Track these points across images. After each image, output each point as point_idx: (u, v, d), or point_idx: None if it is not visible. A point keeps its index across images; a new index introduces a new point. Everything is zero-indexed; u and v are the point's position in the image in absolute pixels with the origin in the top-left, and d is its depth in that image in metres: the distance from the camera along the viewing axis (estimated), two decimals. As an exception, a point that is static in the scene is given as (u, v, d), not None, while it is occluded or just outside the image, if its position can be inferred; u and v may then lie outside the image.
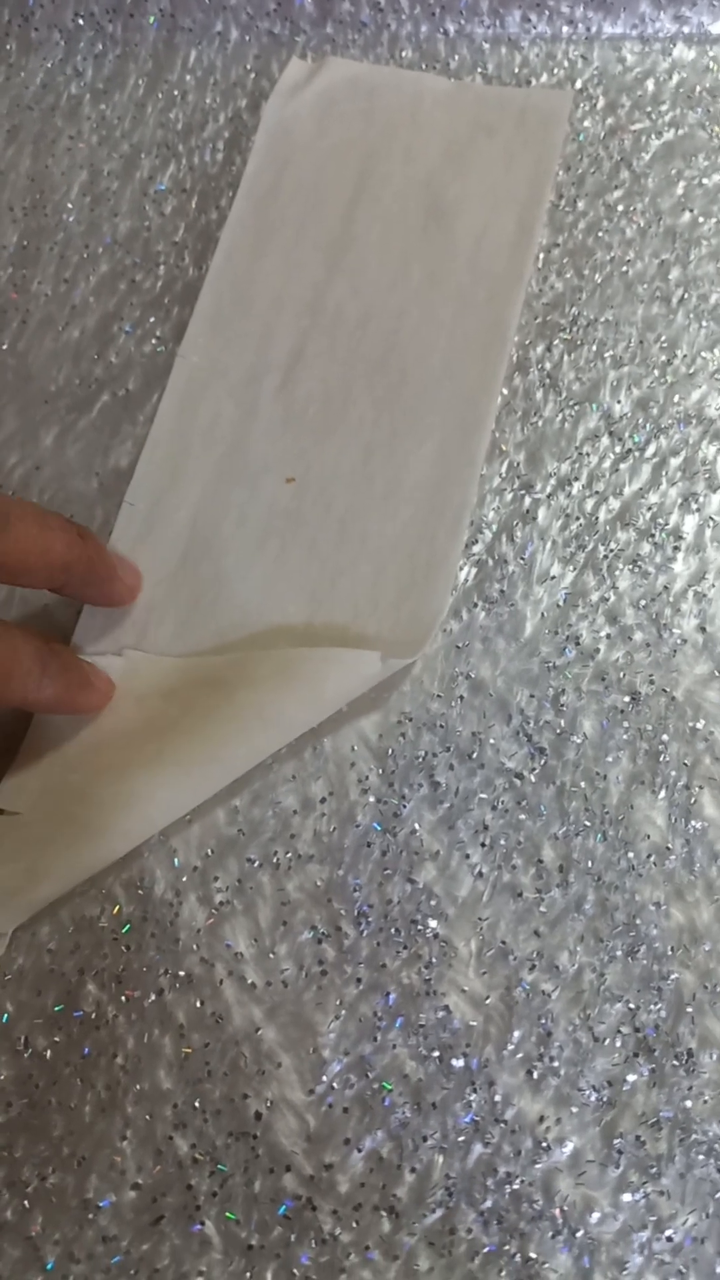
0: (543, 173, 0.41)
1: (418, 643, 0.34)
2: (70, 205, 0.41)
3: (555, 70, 0.43)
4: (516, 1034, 0.30)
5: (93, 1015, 0.30)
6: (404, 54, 0.44)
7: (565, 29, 0.44)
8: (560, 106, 0.42)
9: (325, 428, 0.37)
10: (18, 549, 0.29)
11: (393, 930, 0.31)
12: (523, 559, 0.36)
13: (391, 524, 0.36)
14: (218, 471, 0.37)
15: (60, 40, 0.44)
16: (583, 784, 0.32)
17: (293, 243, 0.40)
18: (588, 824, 0.32)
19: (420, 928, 0.31)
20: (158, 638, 0.34)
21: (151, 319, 0.39)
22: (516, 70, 0.43)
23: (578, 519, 0.36)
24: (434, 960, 0.31)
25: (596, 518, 0.36)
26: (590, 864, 0.32)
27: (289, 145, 0.42)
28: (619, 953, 0.31)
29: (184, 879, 0.32)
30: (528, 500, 0.36)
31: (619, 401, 0.38)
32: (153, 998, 0.30)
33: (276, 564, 0.35)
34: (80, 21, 0.44)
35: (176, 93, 0.43)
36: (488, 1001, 0.30)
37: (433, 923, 0.31)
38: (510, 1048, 0.30)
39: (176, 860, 0.32)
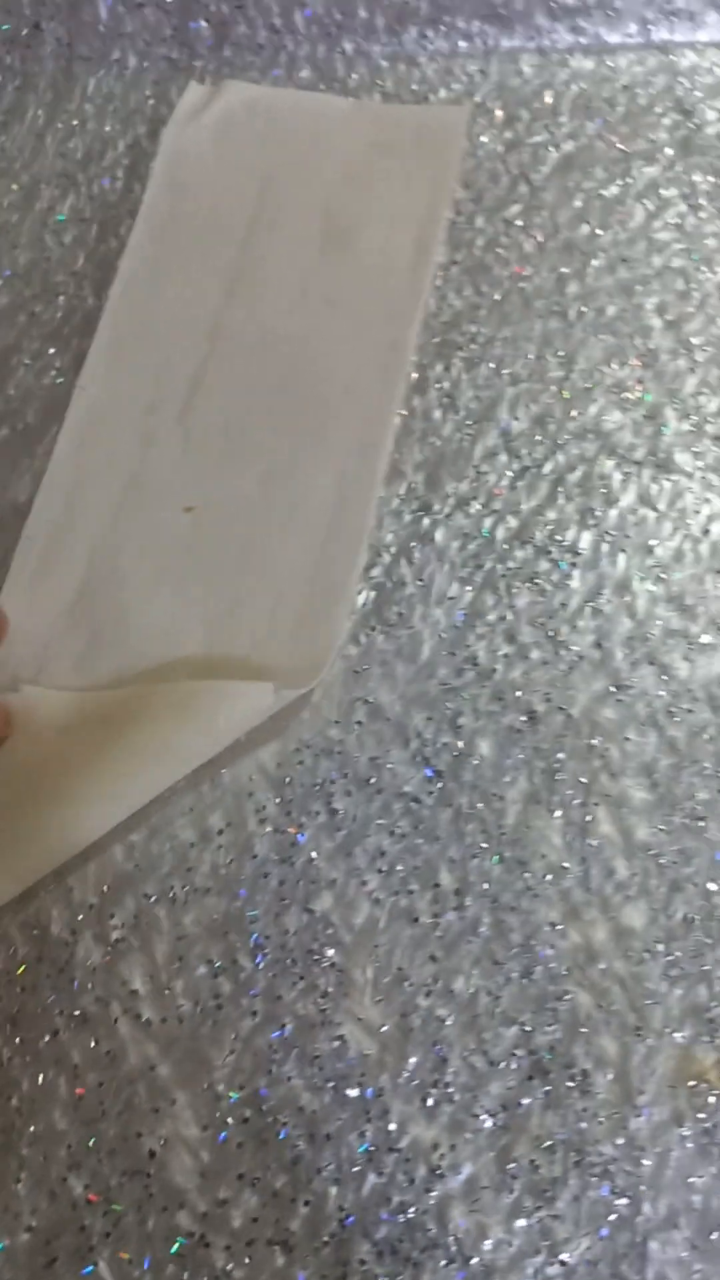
0: (441, 190, 0.41)
1: (314, 671, 0.34)
2: (-31, 239, 0.41)
3: (453, 85, 0.43)
4: (412, 1061, 0.30)
5: (-12, 1058, 0.30)
6: (302, 74, 0.43)
7: (462, 44, 0.44)
8: (457, 122, 0.42)
9: (225, 455, 0.37)
10: None
11: (289, 961, 0.31)
12: (421, 580, 0.35)
13: (290, 550, 0.35)
14: (117, 503, 0.36)
15: (-41, 73, 0.44)
16: (480, 805, 0.32)
17: (192, 269, 0.40)
18: (485, 845, 0.32)
19: (317, 957, 0.31)
20: (56, 672, 0.34)
21: (51, 350, 0.39)
22: (415, 87, 0.43)
23: (476, 538, 0.36)
24: (330, 990, 0.30)
25: (495, 536, 0.36)
26: (487, 886, 0.31)
27: (187, 171, 0.42)
28: (515, 974, 0.30)
29: (80, 917, 0.31)
30: (426, 521, 0.36)
31: (517, 418, 0.38)
32: (47, 1038, 0.30)
33: (176, 595, 0.35)
34: (-22, 53, 0.44)
35: (76, 122, 0.43)
36: (383, 1029, 0.30)
37: (330, 952, 0.31)
38: (406, 1075, 0.30)
39: (73, 898, 0.32)
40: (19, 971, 0.31)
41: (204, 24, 0.43)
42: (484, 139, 0.42)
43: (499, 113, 0.42)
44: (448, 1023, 0.30)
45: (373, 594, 0.35)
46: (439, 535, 0.36)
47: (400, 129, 0.42)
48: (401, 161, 0.41)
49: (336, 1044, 0.30)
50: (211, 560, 0.35)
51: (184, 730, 0.32)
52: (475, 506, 0.36)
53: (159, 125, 0.43)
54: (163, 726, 0.32)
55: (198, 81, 0.43)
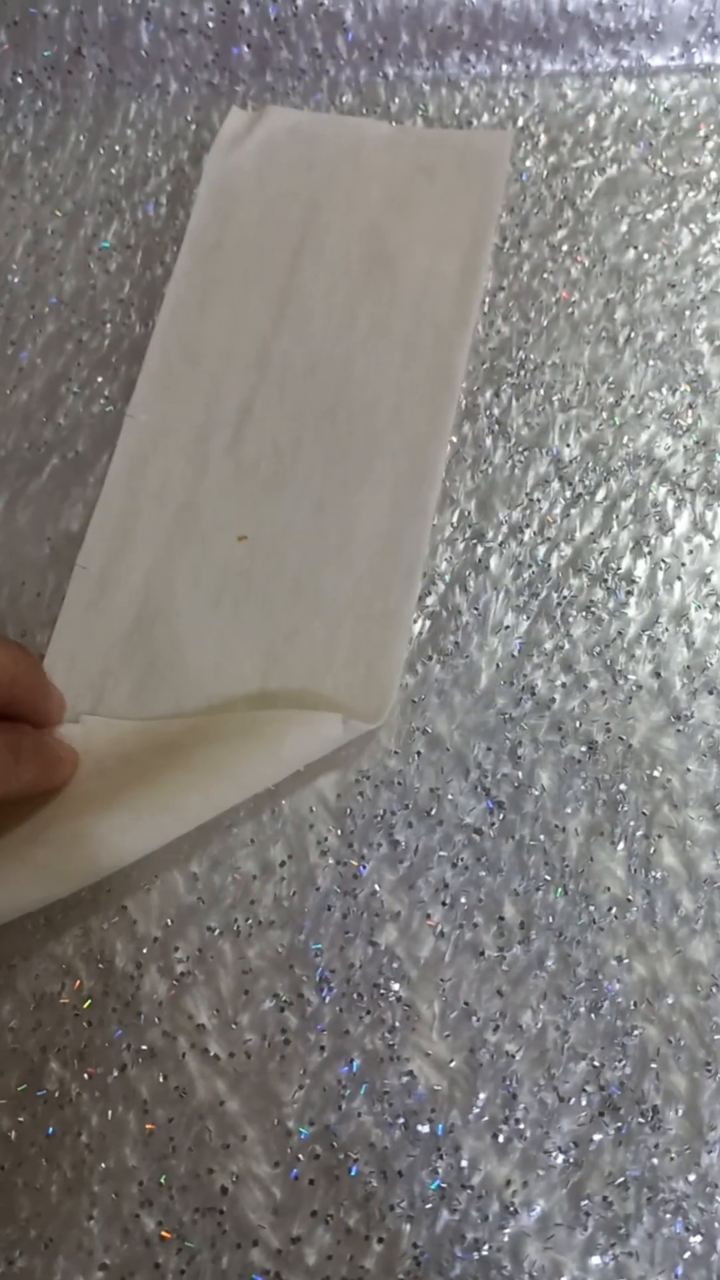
0: (486, 215, 0.41)
1: (378, 705, 0.33)
2: (15, 266, 0.41)
3: (496, 109, 0.43)
4: (482, 1097, 0.29)
5: (56, 1094, 0.30)
6: (344, 99, 0.43)
7: (505, 67, 0.43)
8: (500, 147, 0.42)
9: (276, 483, 0.37)
10: None
11: (355, 995, 0.31)
12: (476, 609, 0.35)
13: (345, 579, 0.35)
14: (170, 532, 0.36)
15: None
16: (542, 837, 0.32)
17: (238, 296, 0.40)
18: (548, 878, 0.32)
19: (383, 991, 0.31)
20: (114, 702, 0.34)
21: (99, 378, 0.39)
22: (457, 111, 0.43)
23: (530, 566, 0.36)
24: (397, 1024, 0.30)
25: (549, 565, 0.36)
26: (551, 919, 0.31)
27: (232, 197, 0.41)
28: (582, 1009, 0.30)
29: (144, 950, 0.31)
30: (479, 549, 0.36)
31: (568, 445, 0.37)
32: (115, 1073, 0.30)
33: (231, 624, 0.35)
34: (19, 79, 0.44)
35: (118, 147, 0.43)
36: (452, 1065, 0.30)
37: (395, 985, 0.31)
38: (476, 1111, 0.29)
39: (136, 931, 0.31)
40: (85, 1005, 0.31)
41: (246, 49, 0.43)
42: (528, 163, 0.42)
43: (542, 137, 0.42)
44: (516, 1058, 0.30)
45: (428, 623, 0.35)
46: (493, 563, 0.36)
47: (444, 153, 0.42)
48: (446, 186, 0.41)
49: (405, 1079, 0.30)
50: (266, 589, 0.35)
51: (247, 756, 0.32)
52: (528, 534, 0.36)
53: (201, 151, 0.43)
54: (226, 751, 0.32)
55: (240, 107, 0.43)
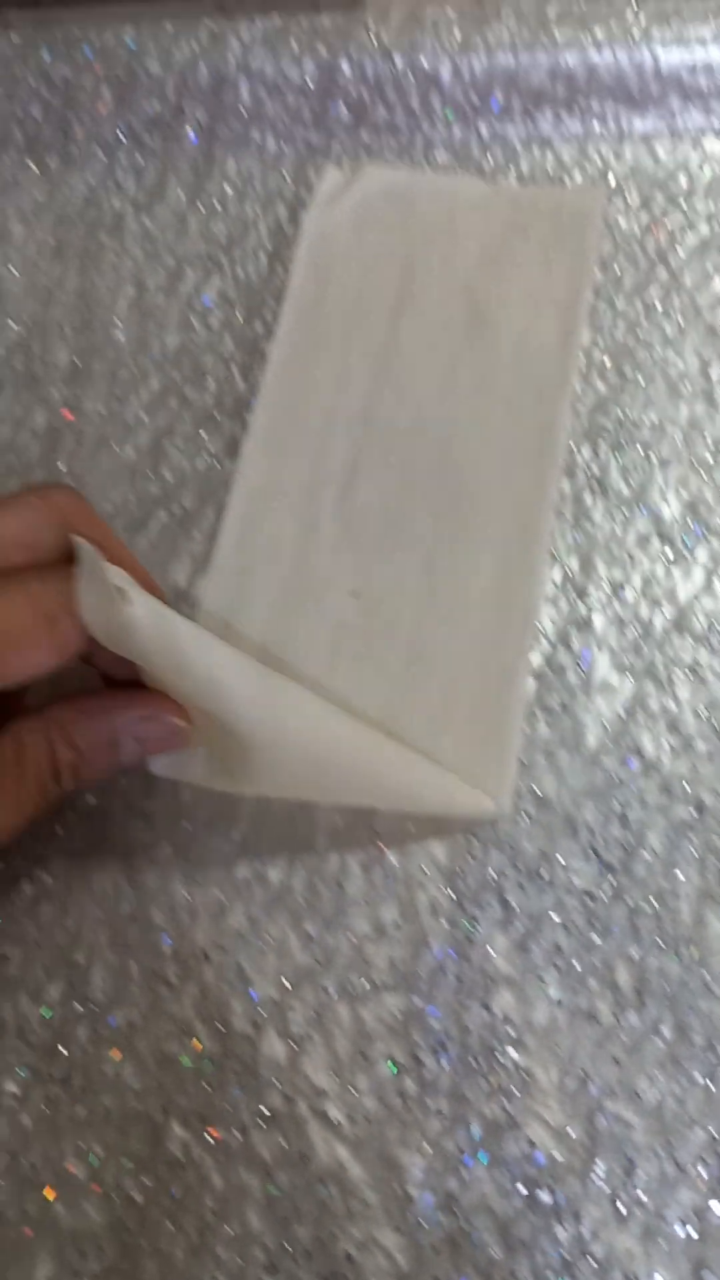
0: (581, 273, 0.40)
1: (499, 775, 0.32)
2: (118, 321, 0.41)
3: (588, 168, 0.42)
4: (600, 1166, 0.29)
5: (179, 1156, 0.29)
6: (438, 157, 0.43)
7: (597, 126, 0.43)
8: (594, 205, 0.41)
9: (385, 541, 0.36)
10: None
11: (472, 1061, 0.30)
12: (581, 668, 0.35)
13: (458, 637, 0.35)
14: (284, 589, 0.36)
15: (101, 154, 0.43)
16: (654, 902, 0.31)
17: (340, 354, 0.39)
18: (661, 944, 0.31)
19: (499, 1057, 0.30)
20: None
21: (203, 434, 0.39)
22: (550, 169, 0.42)
23: (634, 626, 0.35)
24: (515, 1091, 0.30)
25: (652, 624, 0.35)
26: (666, 986, 0.30)
27: (330, 256, 0.41)
28: (699, 1078, 0.29)
29: (262, 1012, 0.31)
30: (583, 607, 0.35)
31: (668, 503, 0.37)
32: (238, 1137, 0.29)
33: (347, 683, 0.34)
34: (121, 136, 0.43)
35: (217, 204, 0.42)
36: (570, 1133, 0.29)
37: (512, 1051, 0.30)
38: (595, 1180, 0.29)
39: (254, 992, 0.31)
40: (206, 1067, 0.30)
41: (343, 107, 0.43)
42: (620, 221, 0.41)
43: (634, 195, 0.41)
44: (634, 1127, 0.29)
45: (534, 681, 0.34)
46: (597, 622, 0.35)
47: (538, 211, 0.41)
48: (540, 244, 0.40)
49: (525, 1147, 0.29)
50: (381, 647, 0.34)
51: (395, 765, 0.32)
52: (631, 593, 0.35)
53: (299, 207, 0.42)
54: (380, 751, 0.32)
55: (335, 166, 0.42)
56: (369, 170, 0.42)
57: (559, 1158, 0.29)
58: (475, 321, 0.39)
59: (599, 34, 0.42)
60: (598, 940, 0.31)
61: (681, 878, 0.32)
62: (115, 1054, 0.31)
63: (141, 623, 0.27)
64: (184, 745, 0.30)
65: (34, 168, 0.43)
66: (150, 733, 0.29)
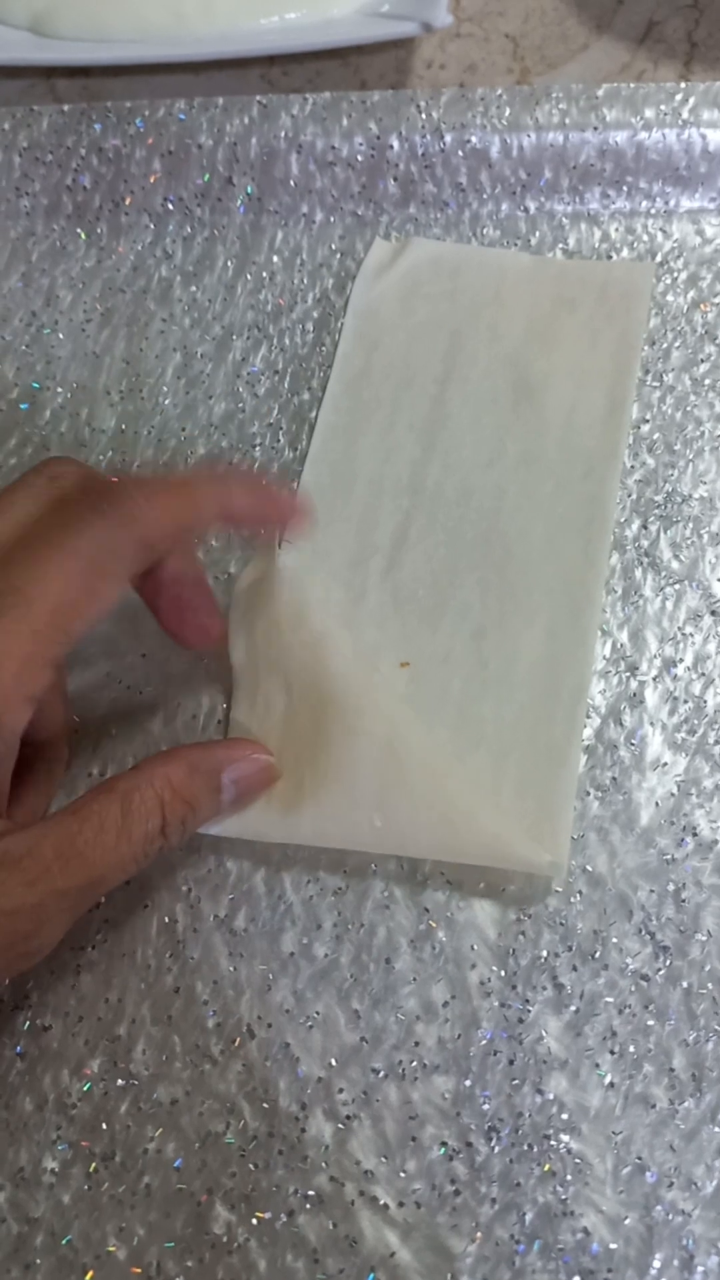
0: (629, 347, 0.43)
1: (552, 851, 0.34)
2: (165, 388, 0.43)
3: (635, 245, 0.45)
4: (658, 1257, 0.30)
5: (224, 1238, 0.31)
6: (485, 232, 0.46)
7: (644, 203, 0.46)
8: (642, 280, 0.44)
9: (435, 610, 0.38)
10: None
11: (525, 1146, 0.31)
12: (633, 744, 0.36)
13: (507, 709, 0.37)
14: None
15: (150, 223, 0.47)
16: (710, 985, 0.33)
17: (387, 424, 0.42)
18: (718, 1029, 0.32)
19: (553, 1143, 0.31)
20: (266, 820, 0.35)
21: (249, 501, 0.41)
22: (597, 245, 0.45)
23: (686, 702, 0.37)
24: (569, 1178, 0.31)
25: (705, 701, 0.37)
26: (723, 1072, 0.32)
27: (377, 326, 0.44)
28: (758, 1168, 0.31)
29: (308, 1090, 0.32)
30: (633, 683, 0.37)
31: (719, 579, 0.39)
32: (283, 1219, 0.31)
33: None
34: (170, 205, 0.46)
35: (265, 274, 0.45)
36: (626, 1222, 0.30)
37: (565, 1137, 0.31)
38: (652, 1272, 0.30)
39: (300, 1070, 0.32)
40: (251, 1146, 0.31)
41: (392, 182, 0.46)
42: (668, 298, 0.44)
43: (682, 272, 0.44)
44: (692, 1217, 0.30)
45: (585, 757, 0.36)
46: (648, 697, 0.37)
47: (585, 285, 0.44)
48: (588, 318, 0.43)
49: (579, 1236, 0.30)
50: (430, 718, 0.36)
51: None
52: (682, 669, 0.37)
53: (346, 279, 0.45)
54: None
55: (383, 238, 0.46)
56: (416, 242, 0.45)
57: (615, 1247, 0.30)
58: (522, 394, 0.42)
59: (648, 114, 0.45)
60: (652, 1023, 0.33)
61: (737, 960, 0.33)
62: (158, 1131, 0.32)
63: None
64: (273, 783, 0.35)
65: (83, 235, 0.47)
66: (245, 771, 0.33)
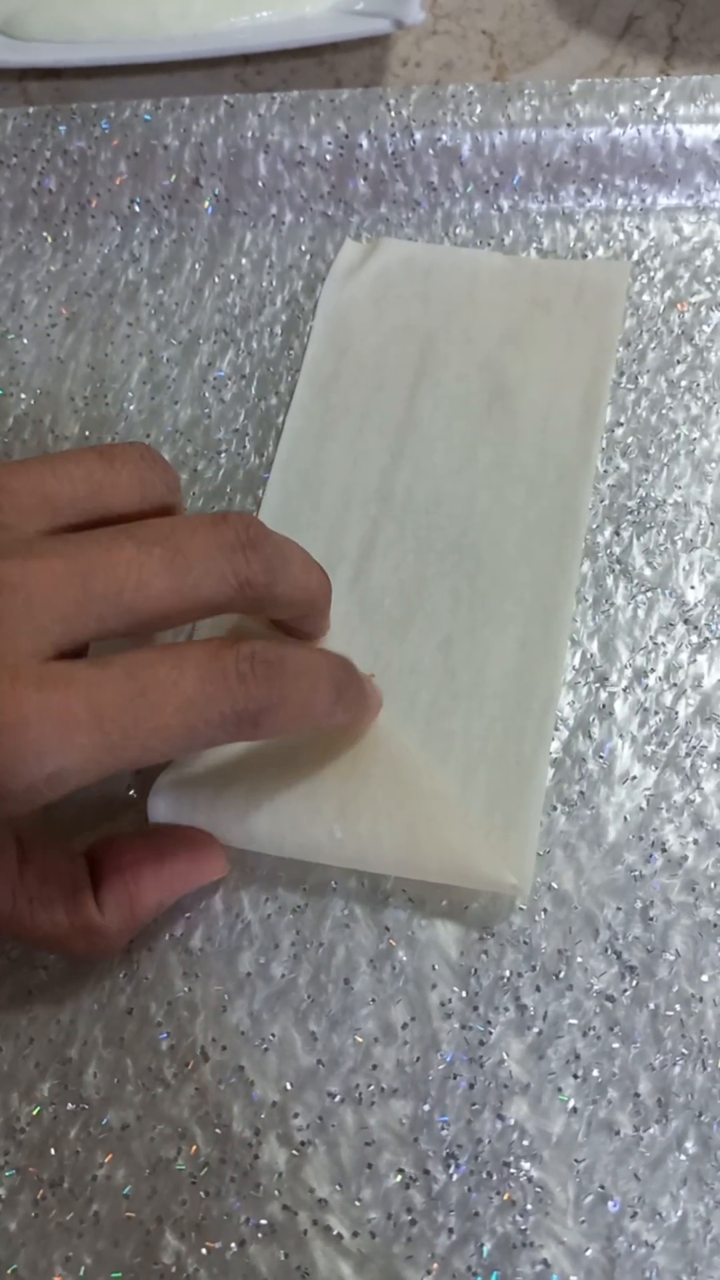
0: (604, 349, 0.42)
1: (518, 869, 0.33)
2: (130, 393, 0.43)
3: (611, 243, 0.44)
4: (620, 1290, 0.29)
5: (173, 1268, 0.30)
6: (458, 231, 0.45)
7: (620, 201, 0.45)
8: (618, 279, 0.43)
9: (403, 620, 0.38)
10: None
11: (484, 1173, 0.30)
12: (601, 757, 0.36)
13: (476, 722, 0.36)
14: None
15: (116, 226, 0.46)
16: (677, 1007, 0.32)
17: (357, 429, 0.41)
18: (685, 1052, 0.31)
19: (513, 1170, 0.30)
20: (226, 826, 0.34)
21: (214, 508, 0.40)
22: (572, 244, 0.45)
23: (657, 713, 0.36)
24: (529, 1207, 0.30)
25: (676, 712, 0.36)
26: (690, 1097, 0.31)
27: (347, 329, 0.43)
28: (725, 1197, 0.30)
29: (263, 1115, 0.31)
30: (603, 694, 0.37)
31: (692, 587, 0.38)
32: (234, 1249, 0.30)
33: None
34: (136, 208, 0.46)
35: (233, 277, 0.45)
36: (588, 1254, 0.29)
37: (526, 1164, 0.30)
38: (614, 1306, 0.29)
39: (255, 1094, 0.32)
40: (202, 1173, 0.31)
41: (362, 181, 0.45)
42: (644, 298, 0.43)
43: (658, 271, 0.44)
44: (656, 1248, 0.29)
45: (552, 770, 0.35)
46: (618, 709, 0.36)
47: (560, 285, 0.43)
48: (563, 319, 0.43)
49: (539, 1268, 0.29)
50: (397, 730, 0.36)
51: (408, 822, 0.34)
52: (653, 679, 0.37)
53: (315, 281, 0.44)
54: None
55: (353, 238, 0.45)
56: (387, 243, 0.45)
57: (575, 1280, 0.29)
58: (496, 398, 0.41)
59: (622, 110, 0.45)
60: (618, 1046, 0.32)
61: (707, 982, 0.32)
62: (108, 1157, 0.31)
63: None
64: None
65: (48, 239, 0.46)
66: (195, 883, 0.33)
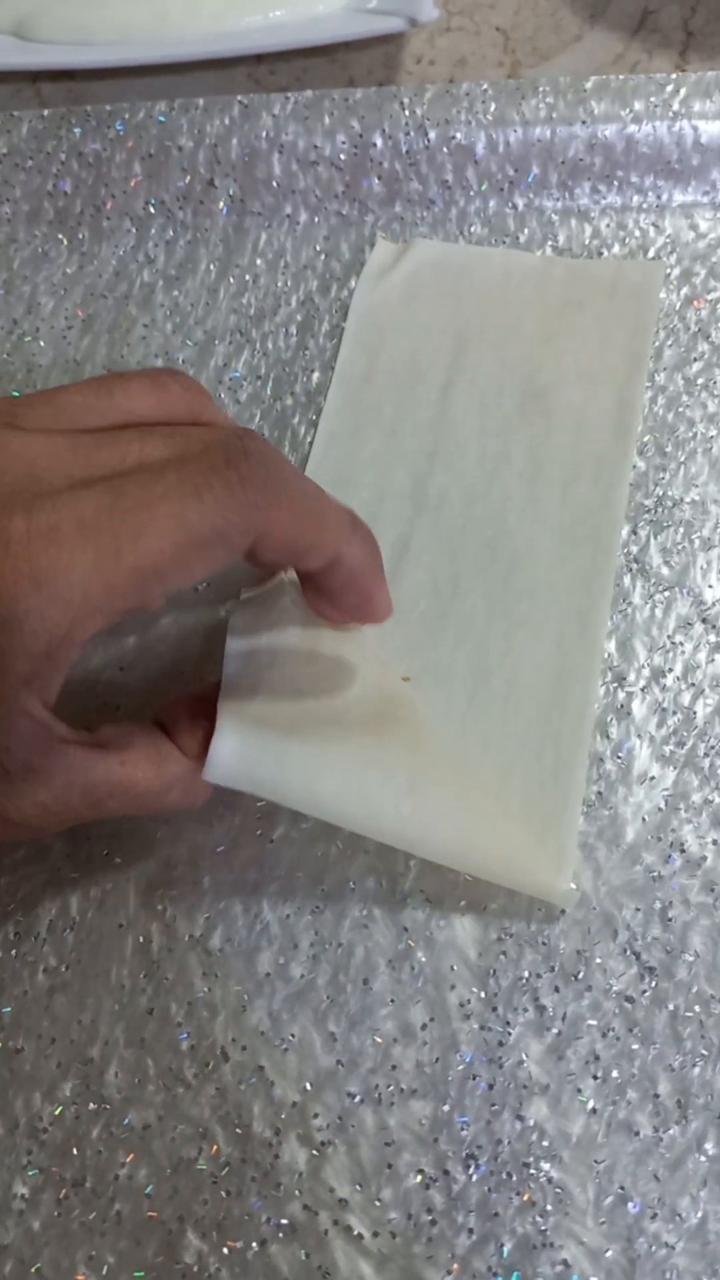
0: (639, 348, 0.42)
1: (559, 872, 0.33)
2: (146, 395, 0.43)
3: (627, 240, 0.44)
4: (640, 1290, 0.29)
5: (195, 1267, 0.30)
6: (473, 229, 0.45)
7: (636, 198, 0.45)
8: (652, 278, 0.43)
9: (438, 621, 0.38)
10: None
11: (504, 1174, 0.30)
12: (620, 757, 0.36)
13: (513, 724, 0.36)
14: None
15: (131, 228, 0.46)
16: (697, 1008, 0.32)
17: (389, 430, 0.41)
18: (704, 1053, 0.31)
19: (533, 1171, 0.30)
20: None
21: (230, 510, 0.40)
22: (587, 241, 0.44)
23: (675, 713, 0.36)
24: (549, 1208, 0.30)
25: (694, 712, 0.36)
26: (709, 1098, 0.31)
27: (380, 330, 0.43)
28: (745, 1198, 0.30)
29: (283, 1115, 0.32)
30: (621, 694, 0.36)
31: (710, 586, 0.38)
32: (255, 1248, 0.30)
33: None
34: (151, 209, 0.46)
35: (248, 277, 0.45)
36: (608, 1254, 0.29)
37: (546, 1165, 0.30)
38: (634, 1306, 0.29)
39: (275, 1094, 0.32)
40: (223, 1173, 0.31)
41: (376, 180, 0.45)
42: (660, 295, 0.43)
43: (675, 268, 0.43)
44: (676, 1249, 0.29)
45: (570, 771, 0.35)
46: (636, 709, 0.36)
47: (593, 285, 0.43)
48: (597, 318, 0.42)
49: (559, 1269, 0.29)
50: (433, 734, 0.35)
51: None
52: (671, 679, 0.37)
53: (330, 281, 0.44)
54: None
55: (369, 238, 0.45)
56: (420, 244, 0.44)
57: (595, 1281, 0.29)
58: (529, 398, 0.41)
59: (637, 106, 0.44)
60: (637, 1047, 0.32)
61: (725, 981, 0.32)
62: (130, 1156, 0.31)
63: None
64: None
65: (64, 241, 0.46)
66: None
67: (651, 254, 0.44)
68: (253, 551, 0.28)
